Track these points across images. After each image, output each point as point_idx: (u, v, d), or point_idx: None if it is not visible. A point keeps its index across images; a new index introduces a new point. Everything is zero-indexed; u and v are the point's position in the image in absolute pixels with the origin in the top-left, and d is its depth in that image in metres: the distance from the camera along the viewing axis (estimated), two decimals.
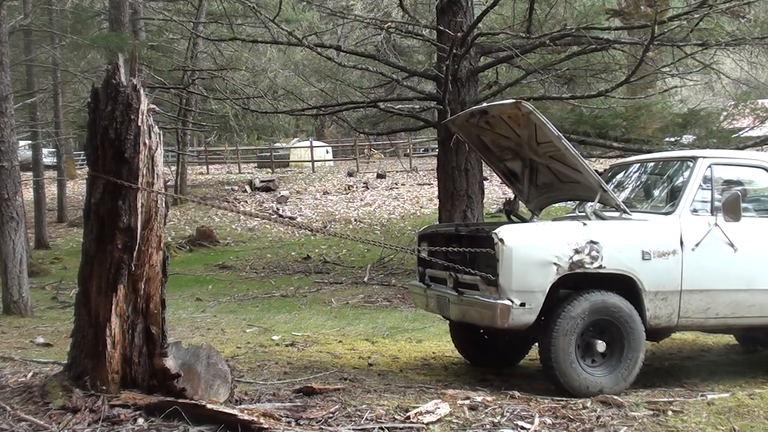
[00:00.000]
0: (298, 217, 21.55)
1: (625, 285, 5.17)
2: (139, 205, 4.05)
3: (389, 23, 13.23)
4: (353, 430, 3.90)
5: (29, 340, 7.53)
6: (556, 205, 7.19)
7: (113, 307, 4.02)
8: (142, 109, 4.07)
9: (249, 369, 5.87)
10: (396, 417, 4.13)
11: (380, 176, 27.44)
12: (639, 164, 6.64)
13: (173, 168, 24.35)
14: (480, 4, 13.10)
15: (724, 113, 13.46)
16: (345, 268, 15.15)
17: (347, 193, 24.73)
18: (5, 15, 10.47)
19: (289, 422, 3.90)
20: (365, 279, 13.35)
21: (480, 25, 11.29)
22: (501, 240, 4.95)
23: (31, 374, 5.01)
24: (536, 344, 5.61)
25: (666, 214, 5.47)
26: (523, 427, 4.10)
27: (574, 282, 5.10)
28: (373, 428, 3.92)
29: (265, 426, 3.71)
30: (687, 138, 12.46)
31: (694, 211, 5.43)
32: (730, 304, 5.44)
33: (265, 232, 20.22)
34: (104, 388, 3.98)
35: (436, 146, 14.38)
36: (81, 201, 11.66)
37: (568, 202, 7.27)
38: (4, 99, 9.81)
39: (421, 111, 14.14)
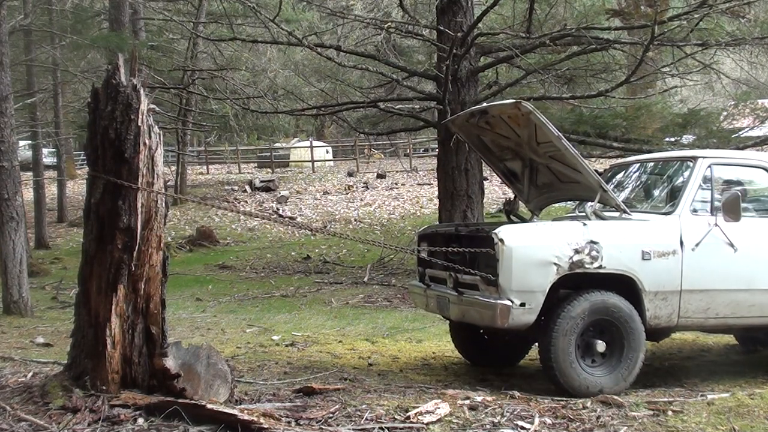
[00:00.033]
0: (298, 217, 21.55)
1: (625, 285, 5.17)
2: (139, 205, 4.05)
3: (389, 23, 13.23)
4: (353, 430, 3.90)
5: (29, 340, 7.53)
6: (556, 205, 7.19)
7: (113, 307, 4.02)
8: (142, 109, 4.07)
9: (249, 369, 5.87)
10: (396, 417, 4.13)
11: (380, 176, 27.44)
12: (639, 164, 6.64)
13: (173, 168, 24.35)
14: (480, 4, 13.10)
15: (724, 113, 13.46)
16: (345, 268, 15.15)
17: (347, 193, 24.73)
18: (5, 15, 10.47)
19: (289, 422, 3.90)
20: (365, 279, 13.35)
21: (480, 25, 11.30)
22: (501, 240, 4.95)
23: (31, 374, 5.01)
24: (536, 344, 5.61)
25: (666, 214, 5.47)
26: (523, 427, 4.10)
27: (574, 282, 5.10)
28: (373, 428, 3.92)
29: (265, 426, 3.71)
30: (687, 138, 12.47)
31: (694, 211, 5.43)
32: (730, 304, 5.44)
33: (265, 232, 20.22)
34: (104, 388, 3.98)
35: (436, 146, 14.38)
36: (81, 201, 11.65)
37: (568, 202, 7.27)
38: (4, 99, 9.81)
39: (421, 111, 14.14)
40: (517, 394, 4.88)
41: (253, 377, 5.49)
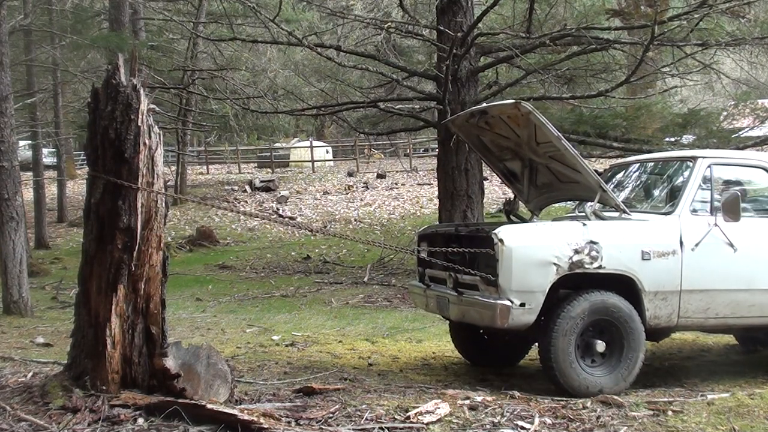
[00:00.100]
0: (298, 217, 21.55)
1: (625, 285, 5.17)
2: (139, 205, 4.05)
3: (389, 23, 13.23)
4: (353, 430, 3.90)
5: (29, 340, 7.53)
6: (556, 205, 7.19)
7: (113, 307, 4.03)
8: (142, 109, 4.07)
9: (249, 369, 5.88)
10: (396, 417, 4.13)
11: (380, 176, 27.44)
12: (639, 164, 6.64)
13: (173, 168, 24.35)
14: (480, 4, 13.10)
15: (724, 113, 13.46)
16: (345, 268, 15.15)
17: (347, 193, 24.73)
18: (5, 15, 10.47)
19: (289, 422, 3.91)
20: (365, 279, 13.35)
21: (480, 25, 11.30)
22: (501, 240, 4.95)
23: (31, 374, 5.02)
24: (536, 344, 5.61)
25: (666, 214, 5.47)
26: (523, 427, 4.10)
27: (574, 282, 5.10)
28: (373, 428, 3.92)
29: (265, 426, 3.71)
30: (687, 138, 12.47)
31: (694, 211, 5.43)
32: (730, 304, 5.44)
33: (265, 232, 20.23)
34: (104, 388, 3.98)
35: (436, 146, 14.38)
36: (81, 201, 11.66)
37: (568, 202, 7.27)
38: (4, 99, 9.81)
39: (421, 111, 14.14)
40: (517, 394, 4.88)
41: (253, 377, 5.49)
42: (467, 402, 4.53)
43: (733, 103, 14.15)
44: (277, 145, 34.14)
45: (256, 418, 3.75)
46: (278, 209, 22.57)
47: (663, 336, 5.76)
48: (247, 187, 26.03)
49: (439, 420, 4.12)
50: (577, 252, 5.01)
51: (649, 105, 12.47)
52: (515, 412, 4.36)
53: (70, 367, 4.16)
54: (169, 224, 15.80)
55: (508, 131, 5.83)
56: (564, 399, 4.80)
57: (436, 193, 13.54)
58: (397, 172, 28.31)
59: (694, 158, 5.73)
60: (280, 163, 33.09)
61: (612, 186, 6.05)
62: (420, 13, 14.40)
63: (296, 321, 9.18)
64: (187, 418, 3.77)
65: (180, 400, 3.90)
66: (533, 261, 4.97)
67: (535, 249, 5.00)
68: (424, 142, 33.40)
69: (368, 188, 25.36)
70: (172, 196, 20.88)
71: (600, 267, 5.06)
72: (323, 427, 3.91)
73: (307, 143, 33.79)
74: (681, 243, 5.27)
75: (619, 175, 6.57)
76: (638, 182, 6.46)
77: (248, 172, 31.99)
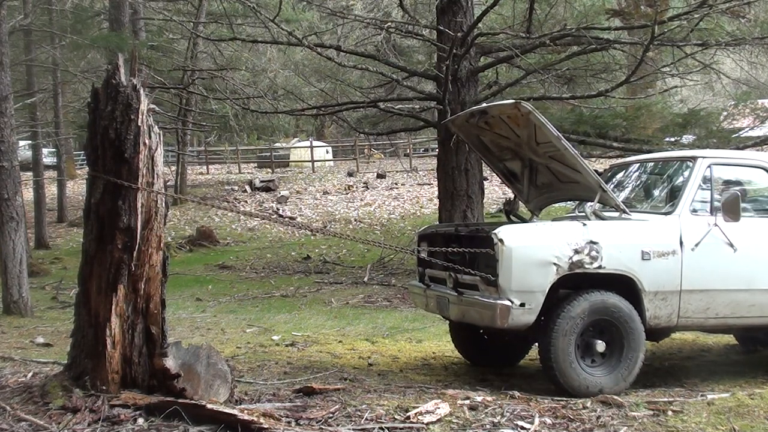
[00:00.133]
0: (298, 217, 21.55)
1: (625, 285, 5.17)
2: (139, 205, 4.05)
3: (389, 23, 13.23)
4: (353, 430, 3.90)
5: (29, 340, 7.53)
6: (556, 205, 7.19)
7: (113, 307, 4.03)
8: (142, 109, 4.07)
9: (249, 369, 5.87)
10: (396, 417, 4.13)
11: (380, 176, 27.44)
12: (639, 164, 6.64)
13: (173, 168, 24.35)
14: (480, 4, 13.10)
15: (724, 113, 13.46)
16: (345, 268, 15.15)
17: (347, 193, 24.73)
18: (5, 15, 10.47)
19: (289, 422, 3.91)
20: (365, 279, 13.35)
21: (480, 25, 11.29)
22: (501, 240, 4.95)
23: (31, 374, 5.02)
24: (536, 344, 5.61)
25: (666, 214, 5.47)
26: (523, 427, 4.10)
27: (574, 282, 5.10)
28: (373, 428, 3.92)
29: (265, 426, 3.71)
30: (687, 138, 12.47)
31: (694, 211, 5.43)
32: (730, 304, 5.44)
33: (265, 232, 20.23)
34: (104, 388, 3.98)
35: (436, 146, 14.38)
36: (81, 201, 11.66)
37: (568, 202, 7.27)
38: (4, 99, 9.81)
39: (421, 111, 14.14)
40: (517, 394, 4.88)
41: (253, 377, 5.49)
42: (467, 402, 4.53)
43: (733, 103, 14.15)
44: (277, 145, 34.13)
45: (256, 418, 3.76)
46: (278, 209, 22.58)
47: (663, 336, 5.76)
48: (247, 187, 26.03)
49: (439, 420, 4.12)
50: (577, 252, 5.01)
51: (649, 105, 12.47)
52: (515, 412, 4.36)
53: (70, 367, 4.16)
54: (169, 224, 15.80)
55: (508, 131, 5.83)
56: (564, 399, 4.80)
57: (436, 193, 13.54)
58: (397, 172, 28.31)
59: (694, 158, 5.73)
60: (280, 163, 33.09)
61: (612, 186, 6.05)
62: (420, 13, 14.40)
63: (296, 321, 9.18)
64: (187, 418, 3.78)
65: (180, 400, 3.90)
66: (533, 261, 4.97)
67: (535, 249, 5.00)
68: (424, 142, 33.40)
69: (368, 188, 25.36)
70: (172, 196, 20.89)
71: (600, 267, 5.06)
72: (323, 427, 3.91)
73: (307, 143, 33.79)
74: (681, 243, 5.27)
75: (619, 175, 6.57)
76: (638, 182, 6.46)
77: (248, 172, 31.99)
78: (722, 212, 5.34)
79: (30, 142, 21.41)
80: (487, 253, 5.07)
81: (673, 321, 5.32)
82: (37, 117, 19.75)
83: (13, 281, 9.54)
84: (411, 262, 13.28)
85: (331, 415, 4.12)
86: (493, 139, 6.17)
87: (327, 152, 34.97)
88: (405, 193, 24.21)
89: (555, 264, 4.97)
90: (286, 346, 7.21)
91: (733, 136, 12.28)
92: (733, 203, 5.28)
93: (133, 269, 4.06)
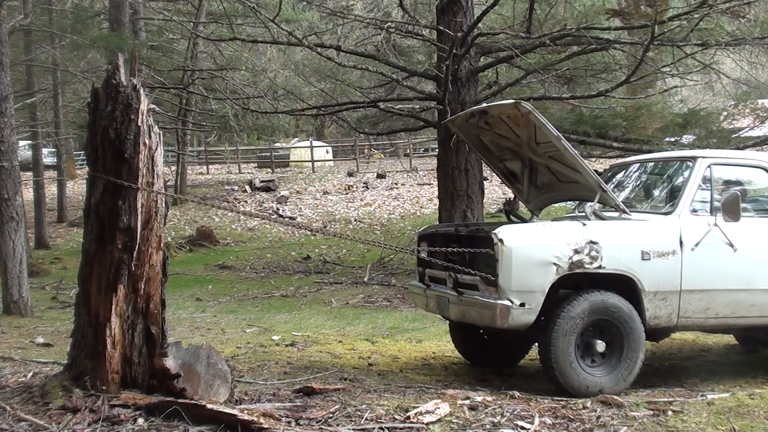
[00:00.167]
0: (298, 217, 21.55)
1: (625, 285, 5.17)
2: (139, 205, 4.05)
3: (389, 23, 13.23)
4: (353, 430, 3.90)
5: (29, 340, 7.53)
6: (556, 205, 7.19)
7: (113, 307, 4.03)
8: (142, 109, 4.07)
9: (249, 369, 5.87)
10: (396, 417, 4.13)
11: (380, 176, 27.44)
12: (639, 164, 6.64)
13: (173, 168, 24.35)
14: (480, 4, 13.10)
15: (724, 113, 13.46)
16: (345, 268, 15.15)
17: (347, 193, 24.73)
18: (5, 15, 10.47)
19: (289, 422, 3.91)
20: (365, 279, 13.35)
21: (480, 25, 11.30)
22: (501, 240, 4.95)
23: (31, 374, 5.02)
24: (536, 344, 5.61)
25: (665, 214, 5.47)
26: (523, 427, 4.10)
27: (574, 282, 5.10)
28: (373, 428, 3.92)
29: (265, 426, 3.71)
30: (687, 138, 12.47)
31: (694, 211, 5.43)
32: (730, 304, 5.44)
33: (265, 232, 20.23)
34: (104, 388, 3.98)
35: (436, 146, 14.38)
36: (81, 201, 11.66)
37: (568, 202, 7.27)
38: (4, 99, 9.81)
39: (421, 111, 14.14)
40: (517, 394, 4.88)
41: (253, 377, 5.49)
42: (467, 402, 4.53)
43: (733, 103, 14.15)
44: (277, 145, 34.13)
45: (256, 418, 3.76)
46: (278, 209, 22.58)
47: (663, 336, 5.76)
48: (247, 187, 26.03)
49: (439, 420, 4.12)
50: (577, 252, 5.01)
51: (649, 105, 12.47)
52: (515, 412, 4.36)
53: (70, 367, 4.16)
54: (169, 224, 15.80)
55: (508, 131, 5.83)
56: (564, 399, 4.80)
57: (436, 193, 13.54)
58: (397, 172, 28.31)
59: (694, 158, 5.73)
60: (280, 163, 33.09)
61: (612, 186, 6.05)
62: (420, 13, 14.40)
63: (296, 321, 9.18)
64: (187, 418, 3.78)
65: (180, 400, 3.90)
66: (533, 261, 4.97)
67: (535, 249, 5.00)
68: (424, 142, 33.40)
69: (368, 188, 25.36)
70: (172, 196, 20.89)
71: (600, 267, 5.06)
72: (323, 427, 3.91)
73: (307, 143, 33.79)
74: (681, 243, 5.27)
75: (619, 175, 6.57)
76: (638, 182, 6.46)
77: (248, 172, 31.99)
78: (722, 212, 5.34)
79: (30, 142, 21.41)
80: (487, 253, 5.07)
81: (673, 321, 5.32)
82: (37, 117, 19.75)
83: (13, 281, 9.54)
84: (411, 262, 13.28)
85: (331, 415, 4.12)
86: (493, 139, 6.17)
87: (327, 152, 34.97)
88: (405, 193, 24.21)
89: (555, 264, 4.97)
90: (286, 346, 7.21)
91: (733, 136, 12.28)
92: (733, 203, 5.28)
93: (133, 269, 4.06)
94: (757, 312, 5.54)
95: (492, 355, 6.27)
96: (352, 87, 14.60)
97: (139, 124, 4.05)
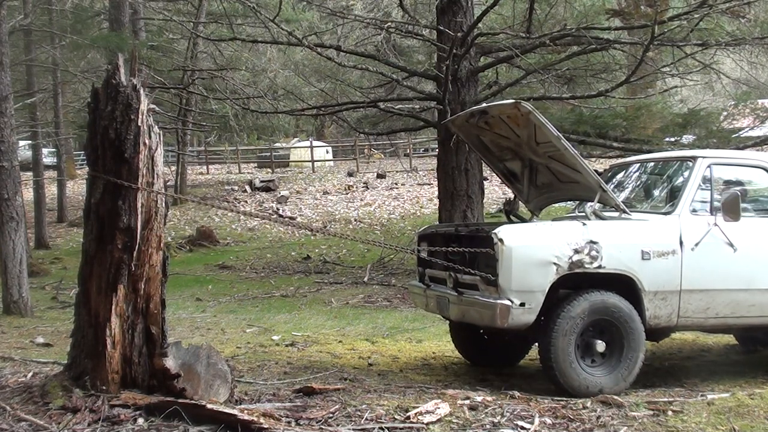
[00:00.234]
0: (298, 217, 21.56)
1: (625, 285, 5.17)
2: (139, 205, 4.05)
3: (389, 23, 13.23)
4: (353, 430, 3.90)
5: (29, 340, 7.53)
6: (556, 205, 7.19)
7: (113, 307, 4.03)
8: (142, 109, 4.07)
9: (249, 369, 5.87)
10: (396, 417, 4.13)
11: (380, 176, 27.44)
12: (639, 164, 6.64)
13: (173, 168, 24.35)
14: (480, 4, 13.10)
15: (724, 113, 13.46)
16: (345, 268, 15.15)
17: (347, 193, 24.73)
18: (5, 15, 10.47)
19: (289, 422, 3.91)
20: (365, 279, 13.35)
21: (480, 25, 11.30)
22: (500, 240, 4.95)
23: (31, 374, 5.02)
24: (536, 344, 5.61)
25: (665, 214, 5.47)
26: (523, 427, 4.10)
27: (574, 282, 5.10)
28: (373, 428, 3.92)
29: (265, 426, 3.71)
30: (687, 138, 12.47)
31: (694, 211, 5.43)
32: (730, 304, 5.44)
33: (265, 232, 20.23)
34: (104, 388, 3.98)
35: (436, 146, 14.38)
36: (81, 201, 11.66)
37: (568, 202, 7.27)
38: (4, 99, 9.81)
39: (421, 111, 14.14)
40: (517, 394, 4.88)
41: (253, 377, 5.49)
42: (467, 402, 4.53)
43: (733, 103, 14.15)
44: (277, 145, 34.13)
45: (256, 418, 3.76)
46: (278, 209, 22.58)
47: (663, 336, 5.76)
48: (247, 187, 26.03)
49: (439, 420, 4.12)
50: (577, 252, 5.01)
51: (649, 105, 12.47)
52: (515, 412, 4.36)
53: (70, 367, 4.16)
54: (169, 224, 15.80)
55: (508, 131, 5.83)
56: (564, 399, 4.80)
57: (436, 193, 13.54)
58: (397, 172, 28.31)
59: (694, 158, 5.73)
60: (280, 163, 33.09)
61: (612, 186, 6.04)
62: (420, 13, 14.41)
63: (296, 321, 9.18)
64: (187, 418, 3.78)
65: (180, 400, 3.90)
66: (533, 261, 4.97)
67: (535, 249, 5.00)
68: (424, 142, 33.40)
69: (368, 188, 25.36)
70: (172, 196, 20.89)
71: (600, 267, 5.06)
72: (323, 427, 3.91)
73: (307, 143, 33.79)
74: (681, 243, 5.27)
75: (619, 175, 6.57)
76: (638, 182, 6.46)
77: (248, 172, 32.00)
78: (722, 212, 5.34)
79: (30, 142, 21.41)
80: (487, 253, 5.07)
81: (673, 321, 5.32)
82: (37, 117, 19.76)
83: (13, 281, 9.54)
84: (411, 262, 13.29)
85: (331, 415, 4.12)
86: (493, 139, 6.17)
87: (327, 152, 34.98)
88: (405, 193, 24.21)
89: (555, 264, 4.97)
90: (286, 346, 7.21)
91: (733, 136, 12.28)
92: (733, 203, 5.28)
93: (133, 269, 4.06)
94: (757, 312, 5.54)
95: (492, 355, 6.27)
96: (352, 87, 14.60)
97: (139, 124, 4.05)
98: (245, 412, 3.84)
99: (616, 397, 4.79)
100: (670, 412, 4.47)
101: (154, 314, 4.15)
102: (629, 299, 5.14)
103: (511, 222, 6.07)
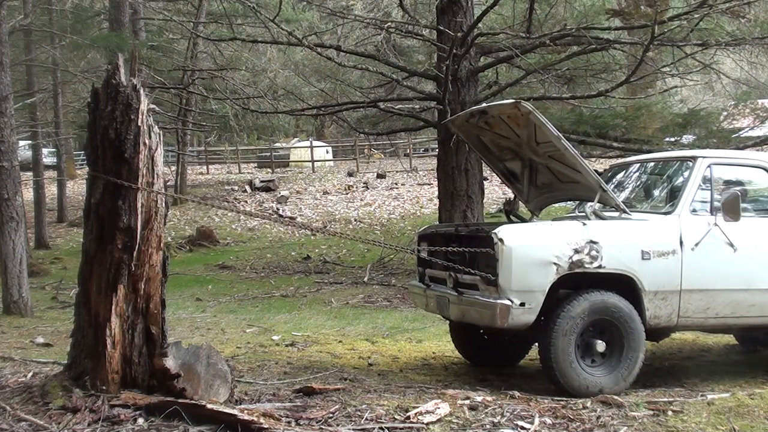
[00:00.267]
0: (298, 217, 21.55)
1: (625, 285, 5.17)
2: (139, 205, 4.05)
3: (389, 23, 13.23)
4: (353, 430, 3.90)
5: (29, 340, 7.53)
6: (556, 205, 7.19)
7: (113, 307, 4.03)
8: (142, 109, 4.07)
9: (249, 369, 5.87)
10: (396, 417, 4.13)
11: (380, 176, 27.44)
12: (639, 164, 6.64)
13: (173, 168, 24.35)
14: (480, 4, 13.10)
15: (724, 113, 13.46)
16: (345, 268, 15.15)
17: (347, 193, 24.73)
18: (5, 15, 10.47)
19: (289, 422, 3.91)
20: (365, 279, 13.35)
21: (480, 25, 11.30)
22: (501, 240, 4.95)
23: (31, 374, 5.02)
24: (536, 344, 5.61)
25: (665, 213, 5.47)
26: (523, 427, 4.10)
27: (574, 282, 5.10)
28: (373, 428, 3.92)
29: (265, 426, 3.71)
30: (687, 138, 12.47)
31: (694, 211, 5.43)
32: (730, 304, 5.44)
33: (265, 232, 20.23)
34: (104, 388, 3.98)
35: (436, 146, 14.38)
36: (81, 201, 11.66)
37: (568, 202, 7.27)
38: (4, 99, 9.81)
39: (421, 111, 14.14)
40: (517, 394, 4.88)
41: (253, 377, 5.49)
42: (467, 402, 4.53)
43: (733, 103, 14.15)
44: (277, 145, 34.14)
45: (256, 418, 3.76)
46: (278, 209, 22.58)
47: (663, 336, 5.76)
48: (247, 187, 26.03)
49: (439, 420, 4.12)
50: (577, 252, 5.01)
51: (649, 105, 12.47)
52: (515, 412, 4.36)
53: (70, 367, 4.16)
54: (169, 224, 15.80)
55: (508, 131, 5.83)
56: (564, 399, 4.80)
57: (436, 193, 13.54)
58: (397, 172, 28.31)
59: (694, 158, 5.73)
60: (280, 163, 33.09)
61: (612, 186, 6.04)
62: (420, 13, 14.41)
63: (296, 321, 9.18)
64: (187, 418, 3.78)
65: (180, 400, 3.90)
66: (533, 261, 4.97)
67: (535, 249, 5.00)
68: (424, 142, 33.40)
69: (368, 188, 25.35)
70: (172, 196, 20.89)
71: (600, 267, 5.06)
72: (323, 427, 3.91)
73: (307, 143, 33.79)
74: (681, 243, 5.27)
75: (619, 175, 6.57)
76: (638, 182, 6.46)
77: (248, 172, 32.00)
78: (722, 212, 5.34)
79: (30, 142, 21.41)
80: (487, 253, 5.07)
81: (673, 321, 5.32)
82: (37, 117, 19.76)
83: (13, 281, 9.54)
84: (411, 262, 13.29)
85: (331, 415, 4.12)
86: (493, 139, 6.17)
87: (327, 152, 34.98)
88: (405, 193, 24.21)
89: (555, 264, 4.97)
90: (286, 346, 7.21)
91: (733, 136, 12.28)
92: (733, 203, 5.28)
93: (133, 269, 4.06)
94: (757, 312, 5.54)
95: (492, 355, 6.27)
96: (352, 87, 14.60)
97: (139, 124, 4.05)
98: (245, 412, 3.84)
99: (616, 397, 4.79)
100: (670, 412, 4.47)
101: (154, 314, 4.15)
102: (629, 299, 5.13)
103: (511, 222, 6.07)
